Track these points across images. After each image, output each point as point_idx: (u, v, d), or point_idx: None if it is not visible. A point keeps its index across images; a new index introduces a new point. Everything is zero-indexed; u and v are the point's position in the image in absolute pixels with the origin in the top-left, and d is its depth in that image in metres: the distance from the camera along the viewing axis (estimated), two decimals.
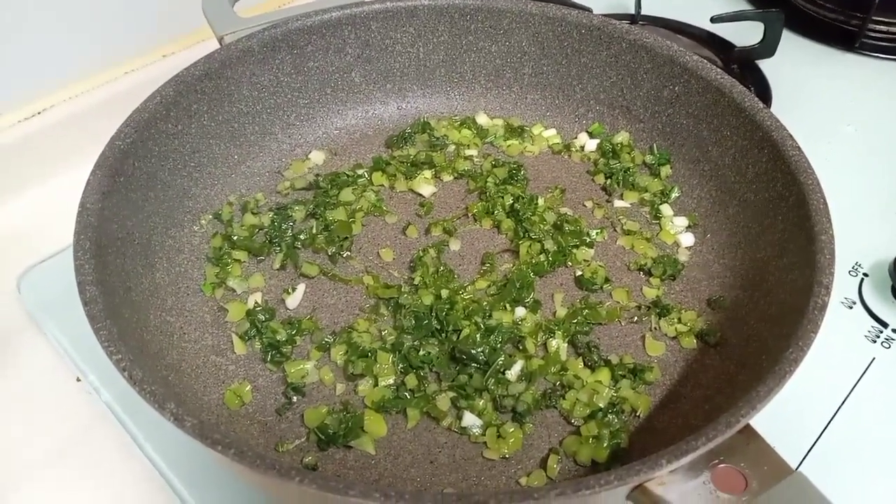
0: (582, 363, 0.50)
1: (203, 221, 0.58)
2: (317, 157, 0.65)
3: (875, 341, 0.59)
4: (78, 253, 0.44)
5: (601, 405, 0.47)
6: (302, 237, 0.58)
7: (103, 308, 0.42)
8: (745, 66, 0.81)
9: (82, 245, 0.45)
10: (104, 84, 0.76)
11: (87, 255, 0.44)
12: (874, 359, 0.58)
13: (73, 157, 0.70)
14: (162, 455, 0.53)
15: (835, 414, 0.55)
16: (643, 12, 0.87)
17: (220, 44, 0.62)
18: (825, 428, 0.54)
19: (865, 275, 0.63)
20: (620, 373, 0.49)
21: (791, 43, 0.86)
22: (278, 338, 0.52)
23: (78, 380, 0.58)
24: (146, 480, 0.52)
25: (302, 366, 0.50)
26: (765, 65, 0.82)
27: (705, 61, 0.58)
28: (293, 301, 0.55)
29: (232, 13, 0.63)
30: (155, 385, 0.39)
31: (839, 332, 0.58)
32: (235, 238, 0.57)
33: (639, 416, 0.48)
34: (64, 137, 0.73)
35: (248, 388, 0.49)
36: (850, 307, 0.61)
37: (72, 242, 0.45)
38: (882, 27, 0.83)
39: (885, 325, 0.60)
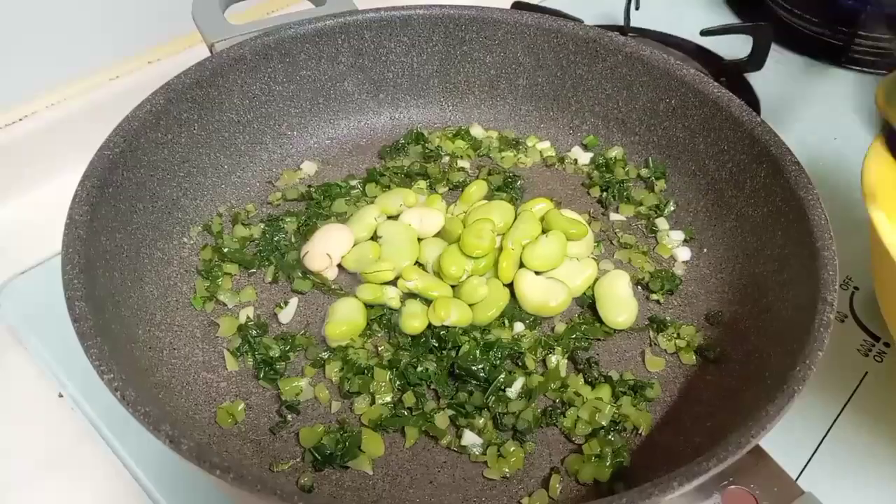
0: (582, 379, 0.49)
1: (192, 233, 0.57)
2: (308, 167, 0.63)
3: (867, 355, 0.59)
4: (66, 267, 0.43)
5: (603, 423, 0.46)
6: (294, 253, 0.56)
7: (93, 325, 0.40)
8: (733, 78, 0.82)
9: (71, 259, 0.43)
10: (88, 90, 0.74)
11: (77, 269, 0.43)
12: (867, 372, 0.58)
13: (56, 164, 0.69)
14: (146, 471, 0.52)
15: (829, 427, 0.55)
16: (632, 24, 0.87)
17: (211, 51, 0.60)
18: (821, 442, 0.54)
19: (856, 288, 0.64)
20: (621, 389, 0.49)
21: (778, 56, 0.87)
22: (271, 354, 0.50)
23: (60, 395, 0.56)
24: (130, 498, 0.51)
25: (296, 383, 0.49)
26: (753, 78, 0.82)
27: (702, 75, 0.58)
28: (286, 315, 0.53)
29: (223, 20, 0.62)
30: (149, 406, 0.37)
31: (832, 346, 0.58)
32: (226, 250, 0.56)
33: (640, 434, 0.48)
34: (46, 144, 0.71)
35: (240, 407, 0.48)
36: (842, 321, 0.62)
37: (56, 254, 0.44)
38: (867, 42, 0.84)
39: (876, 338, 0.60)
